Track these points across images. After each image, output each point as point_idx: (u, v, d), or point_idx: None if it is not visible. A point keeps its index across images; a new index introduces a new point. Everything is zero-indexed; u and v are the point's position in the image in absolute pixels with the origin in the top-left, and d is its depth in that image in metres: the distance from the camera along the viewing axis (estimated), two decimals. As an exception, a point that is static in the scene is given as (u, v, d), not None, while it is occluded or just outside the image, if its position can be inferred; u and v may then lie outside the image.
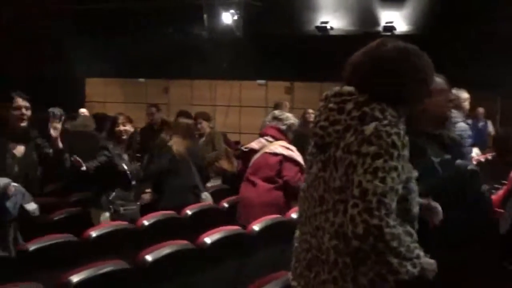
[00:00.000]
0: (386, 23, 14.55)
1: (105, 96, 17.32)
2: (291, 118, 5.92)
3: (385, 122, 2.20)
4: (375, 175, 2.10)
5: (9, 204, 4.49)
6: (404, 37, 13.74)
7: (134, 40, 16.13)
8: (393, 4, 14.51)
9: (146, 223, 5.21)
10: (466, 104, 6.34)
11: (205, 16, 15.68)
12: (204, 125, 8.38)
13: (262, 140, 5.89)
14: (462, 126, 5.91)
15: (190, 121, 7.35)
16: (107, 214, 5.85)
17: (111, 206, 5.88)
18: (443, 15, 13.58)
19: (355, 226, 2.08)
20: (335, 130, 2.29)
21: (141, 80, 17.30)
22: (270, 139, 5.80)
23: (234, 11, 15.67)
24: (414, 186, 2.34)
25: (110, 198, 5.89)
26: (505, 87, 13.34)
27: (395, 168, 2.13)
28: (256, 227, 4.84)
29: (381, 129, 2.17)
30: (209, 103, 15.84)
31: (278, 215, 5.17)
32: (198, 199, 6.53)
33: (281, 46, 14.73)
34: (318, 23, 15.21)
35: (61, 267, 3.79)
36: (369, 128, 2.19)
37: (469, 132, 6.04)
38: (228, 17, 15.74)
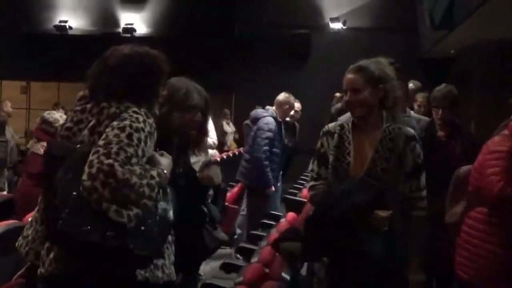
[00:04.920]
0: (126, 24, 14.56)
1: None
2: (59, 120, 5.87)
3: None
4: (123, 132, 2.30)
5: None
6: (143, 39, 13.88)
7: None
8: (133, 6, 14.57)
9: None
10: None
11: None
12: None
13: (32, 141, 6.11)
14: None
15: None
16: None
17: None
18: (182, 18, 13.97)
19: (90, 167, 2.19)
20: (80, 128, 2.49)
21: None
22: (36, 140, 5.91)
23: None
24: None
25: None
26: (238, 87, 14.17)
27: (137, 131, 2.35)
28: None
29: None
30: None
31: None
32: None
33: (17, 44, 14.06)
34: (56, 22, 14.76)
35: None
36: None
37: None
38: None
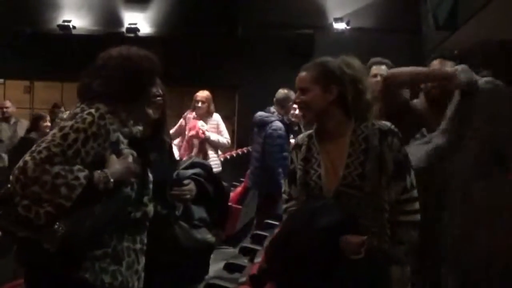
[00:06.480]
0: (130, 24, 14.54)
1: None
2: None
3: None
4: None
5: None
6: (147, 39, 13.88)
7: None
8: (137, 6, 14.55)
9: None
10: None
11: None
12: None
13: None
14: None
15: None
16: None
17: None
18: (186, 18, 13.95)
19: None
20: None
21: None
22: None
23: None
24: None
25: None
26: (241, 87, 14.17)
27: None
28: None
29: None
30: None
31: None
32: None
33: (20, 44, 14.02)
34: (60, 22, 14.74)
35: None
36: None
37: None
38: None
